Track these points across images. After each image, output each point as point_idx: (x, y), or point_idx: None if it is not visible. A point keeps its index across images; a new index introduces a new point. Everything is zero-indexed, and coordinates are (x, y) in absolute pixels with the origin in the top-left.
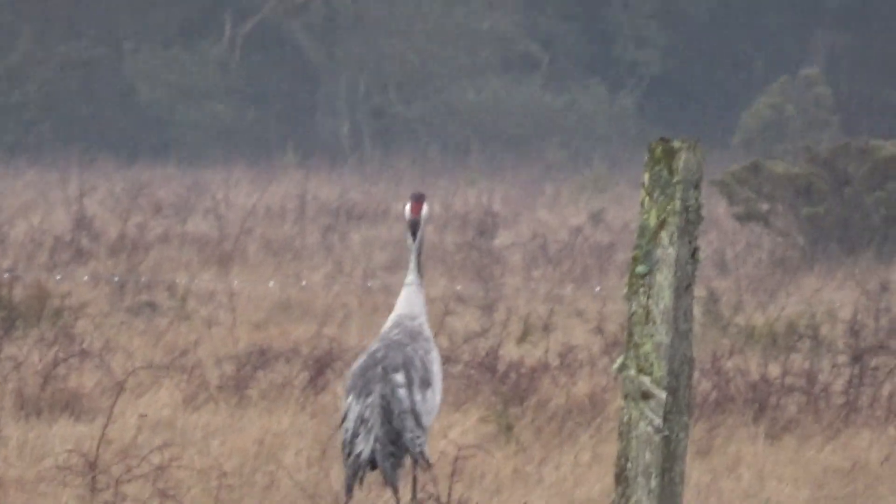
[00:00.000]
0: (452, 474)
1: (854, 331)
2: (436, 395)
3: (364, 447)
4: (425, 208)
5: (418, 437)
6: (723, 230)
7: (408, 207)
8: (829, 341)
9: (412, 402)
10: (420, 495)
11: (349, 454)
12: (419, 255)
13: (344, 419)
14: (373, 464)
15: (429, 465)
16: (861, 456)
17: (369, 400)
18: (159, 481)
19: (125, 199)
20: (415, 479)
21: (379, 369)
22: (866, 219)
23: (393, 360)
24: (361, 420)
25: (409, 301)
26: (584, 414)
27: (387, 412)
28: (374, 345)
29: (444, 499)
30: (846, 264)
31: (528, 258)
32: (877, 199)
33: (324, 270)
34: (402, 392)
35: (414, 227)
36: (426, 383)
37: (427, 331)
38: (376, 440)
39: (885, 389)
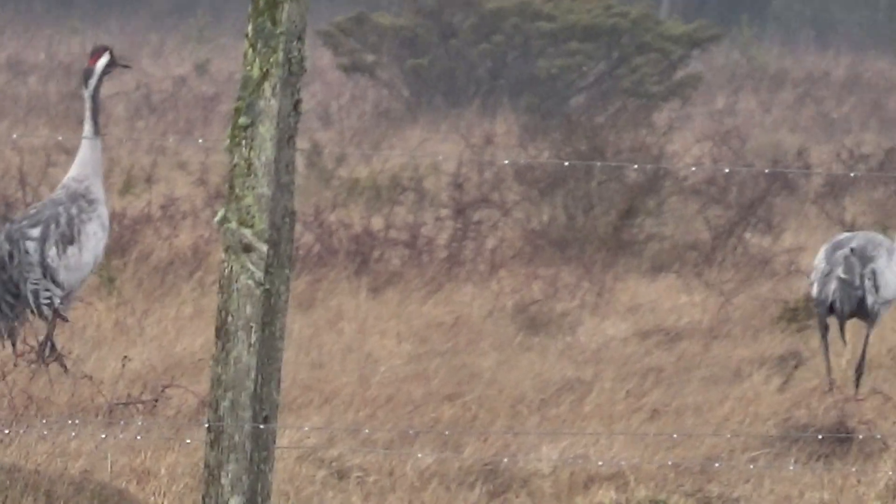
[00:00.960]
0: (53, 326)
1: (458, 184)
2: (82, 254)
3: None
4: (103, 60)
5: (46, 290)
6: (328, 82)
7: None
8: (433, 194)
9: (42, 255)
10: (21, 347)
11: None
12: (93, 107)
13: None
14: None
15: (61, 318)
16: (464, 310)
17: None
18: None
19: None
20: (51, 343)
21: (14, 223)
22: (472, 71)
23: (36, 217)
24: None
25: (82, 160)
26: (186, 266)
27: (3, 261)
28: None
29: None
30: (451, 117)
31: (132, 109)
32: (482, 52)
33: None
34: (30, 244)
35: (86, 75)
36: (68, 240)
37: (94, 192)
38: None
39: (488, 243)
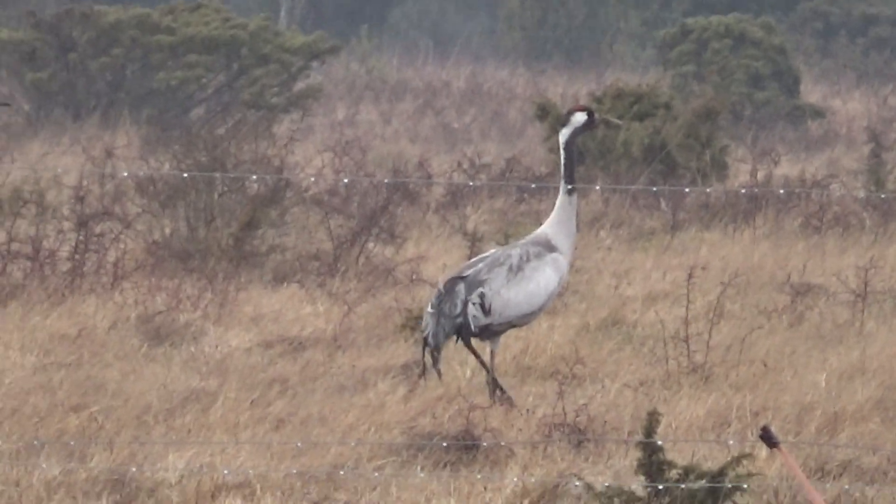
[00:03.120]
0: None
1: (79, 197)
2: None
3: None
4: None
5: None
6: None
7: None
8: (55, 207)
9: None
10: None
11: None
12: None
13: None
14: None
15: None
16: (87, 322)
17: None
18: None
19: None
20: None
21: None
22: (92, 85)
23: None
24: None
25: None
26: None
27: None
28: None
29: None
30: (72, 130)
31: None
32: (101, 65)
33: None
34: None
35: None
36: None
37: None
38: None
39: (111, 256)
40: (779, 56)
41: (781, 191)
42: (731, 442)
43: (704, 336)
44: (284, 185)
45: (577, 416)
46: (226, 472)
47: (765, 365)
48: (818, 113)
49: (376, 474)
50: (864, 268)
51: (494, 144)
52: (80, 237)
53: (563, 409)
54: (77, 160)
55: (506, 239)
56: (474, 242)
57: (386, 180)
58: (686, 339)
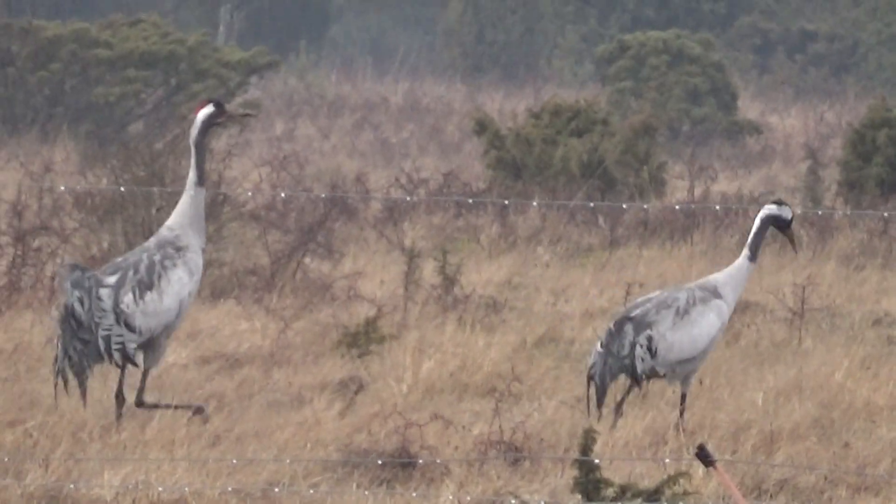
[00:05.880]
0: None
1: (17, 211)
2: (162, 299)
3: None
4: (204, 111)
5: (119, 335)
6: None
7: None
8: None
9: (116, 301)
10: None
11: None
12: (198, 157)
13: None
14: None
15: (132, 363)
16: (23, 337)
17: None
18: None
19: None
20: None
21: (88, 273)
22: (30, 99)
23: (117, 264)
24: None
25: (180, 210)
26: None
27: (72, 309)
28: None
29: None
30: (10, 145)
31: None
32: (40, 80)
33: None
34: (104, 291)
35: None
36: (146, 286)
37: (184, 240)
38: (64, 333)
39: (48, 270)
40: (716, 72)
41: (718, 207)
42: (668, 460)
43: None
44: (222, 199)
45: (514, 434)
46: (161, 489)
47: (701, 383)
48: (756, 129)
49: (312, 491)
50: (801, 285)
51: (432, 159)
52: (18, 252)
53: (500, 426)
54: (15, 175)
55: (443, 256)
56: (412, 258)
57: (323, 195)
58: None
